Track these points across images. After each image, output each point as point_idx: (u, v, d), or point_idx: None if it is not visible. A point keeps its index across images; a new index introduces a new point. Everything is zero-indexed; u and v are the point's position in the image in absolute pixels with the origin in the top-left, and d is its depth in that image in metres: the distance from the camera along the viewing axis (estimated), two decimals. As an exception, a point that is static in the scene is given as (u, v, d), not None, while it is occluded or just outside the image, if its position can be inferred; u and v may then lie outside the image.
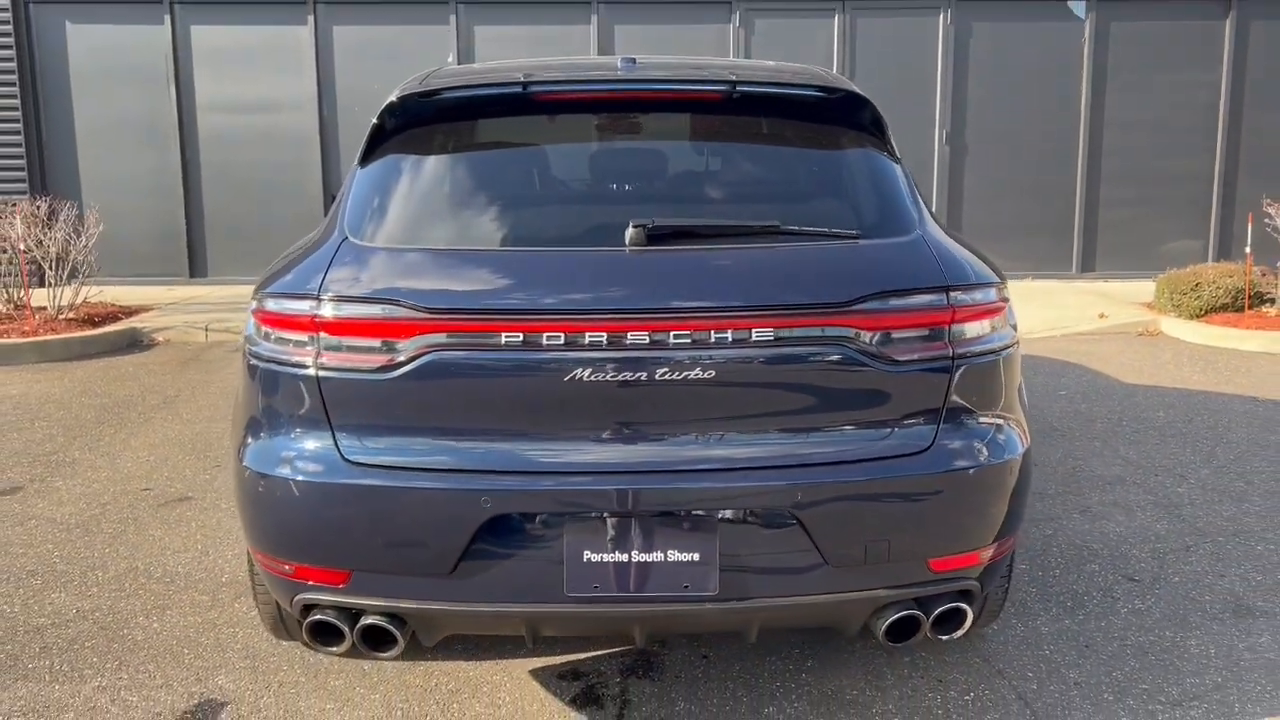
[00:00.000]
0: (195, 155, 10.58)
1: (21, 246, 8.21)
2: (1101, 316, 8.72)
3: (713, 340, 2.41)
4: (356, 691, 3.04)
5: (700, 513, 2.44)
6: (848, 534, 2.47)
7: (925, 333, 2.52)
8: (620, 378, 2.40)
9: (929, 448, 2.52)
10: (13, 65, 10.22)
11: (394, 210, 2.73)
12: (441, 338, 2.43)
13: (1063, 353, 7.61)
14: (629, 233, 2.51)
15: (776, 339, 2.44)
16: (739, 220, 2.80)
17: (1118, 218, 10.78)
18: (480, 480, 2.43)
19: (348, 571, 2.49)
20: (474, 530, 2.40)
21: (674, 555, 2.43)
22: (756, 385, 2.48)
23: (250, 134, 10.59)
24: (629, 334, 2.39)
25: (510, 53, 10.13)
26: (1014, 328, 2.72)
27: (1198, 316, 8.34)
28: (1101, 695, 2.99)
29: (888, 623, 2.56)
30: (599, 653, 3.21)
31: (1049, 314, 8.82)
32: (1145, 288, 9.55)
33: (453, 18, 10.42)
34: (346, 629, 2.53)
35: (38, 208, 8.49)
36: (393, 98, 2.87)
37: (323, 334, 2.48)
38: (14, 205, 8.55)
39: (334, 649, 2.59)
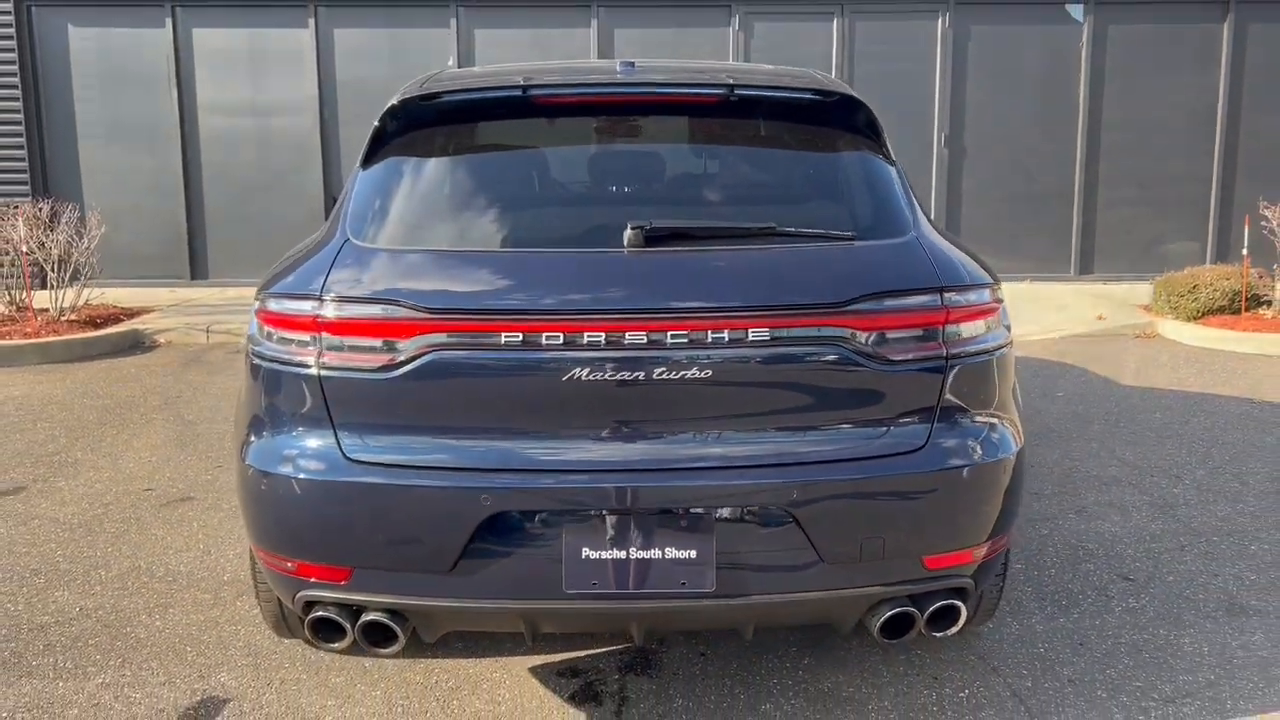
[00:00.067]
0: (196, 157, 10.60)
1: (24, 249, 8.24)
2: (1099, 318, 8.74)
3: (710, 340, 2.44)
4: (357, 688, 3.07)
5: (697, 511, 2.47)
6: (843, 531, 2.50)
7: (920, 333, 2.55)
8: (618, 377, 2.43)
9: (923, 446, 2.54)
10: (15, 68, 10.24)
11: (395, 212, 2.76)
12: (442, 338, 2.46)
13: (1061, 354, 7.63)
14: (627, 234, 2.54)
15: (773, 339, 2.47)
16: (736, 222, 2.83)
17: (1116, 220, 10.80)
18: (480, 478, 2.45)
19: (349, 568, 2.52)
20: (474, 528, 2.43)
21: (671, 553, 2.46)
22: (753, 385, 2.51)
23: (251, 136, 10.61)
24: (627, 334, 2.42)
25: (510, 56, 10.15)
26: (1008, 328, 2.75)
27: (1195, 318, 8.37)
28: (1095, 692, 3.02)
29: (883, 619, 2.58)
30: (598, 650, 3.23)
31: (1047, 316, 8.84)
32: (1144, 289, 9.57)
33: (453, 21, 10.45)
34: (348, 626, 2.56)
35: (40, 210, 8.52)
36: (394, 101, 2.90)
37: (325, 334, 2.51)
38: (16, 208, 8.58)
39: (335, 646, 2.62)
